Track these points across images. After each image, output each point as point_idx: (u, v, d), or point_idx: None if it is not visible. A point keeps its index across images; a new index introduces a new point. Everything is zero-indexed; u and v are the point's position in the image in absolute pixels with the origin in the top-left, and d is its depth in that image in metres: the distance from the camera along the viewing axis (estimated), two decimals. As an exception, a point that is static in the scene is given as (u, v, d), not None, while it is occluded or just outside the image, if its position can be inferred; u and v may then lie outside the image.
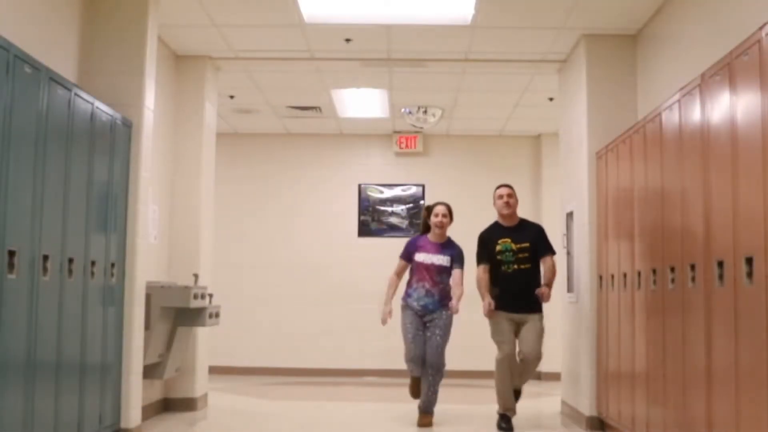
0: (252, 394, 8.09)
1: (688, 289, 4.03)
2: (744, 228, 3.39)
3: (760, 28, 3.26)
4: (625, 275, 5.22)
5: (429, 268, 6.01)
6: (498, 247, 5.90)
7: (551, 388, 7.83)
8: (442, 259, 6.03)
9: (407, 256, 6.18)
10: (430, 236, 6.16)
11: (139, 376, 5.39)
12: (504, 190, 6.06)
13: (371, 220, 10.29)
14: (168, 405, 6.58)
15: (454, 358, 9.35)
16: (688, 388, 4.04)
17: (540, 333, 5.85)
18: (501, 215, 6.04)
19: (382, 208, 10.21)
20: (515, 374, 5.88)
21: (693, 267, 3.96)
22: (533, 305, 5.88)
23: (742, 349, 3.37)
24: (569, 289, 6.66)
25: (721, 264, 3.60)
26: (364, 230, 10.26)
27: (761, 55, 3.25)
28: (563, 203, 6.43)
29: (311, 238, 10.11)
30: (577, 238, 6.44)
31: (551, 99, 7.81)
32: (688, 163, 4.13)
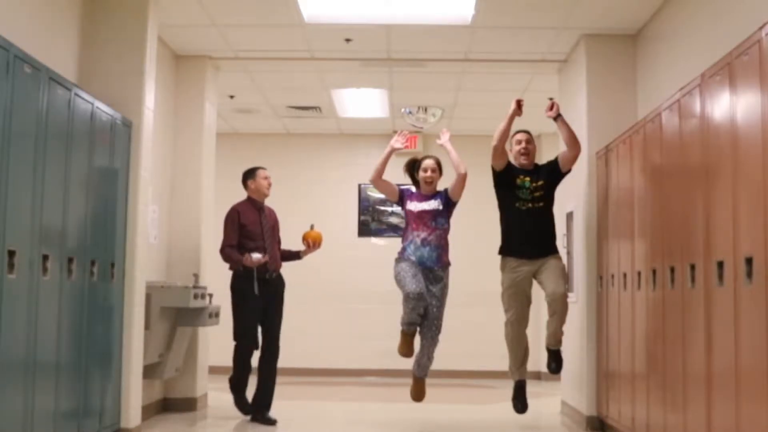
0: (251, 394, 8.07)
1: (688, 289, 4.03)
2: (744, 228, 3.39)
3: (760, 28, 3.26)
4: (625, 275, 5.22)
5: (422, 215, 5.67)
6: (517, 181, 5.56)
7: (551, 388, 7.84)
8: (433, 204, 5.70)
9: (401, 190, 5.88)
10: (420, 190, 5.84)
11: (139, 376, 5.39)
12: (522, 136, 5.65)
13: (371, 220, 10.30)
14: (168, 405, 6.58)
15: (458, 358, 9.42)
16: (688, 388, 4.04)
17: (561, 270, 5.50)
18: (519, 163, 5.66)
19: (382, 208, 10.22)
20: (548, 332, 5.56)
21: (693, 267, 3.96)
22: (548, 247, 5.56)
23: (742, 349, 3.37)
24: (569, 289, 6.66)
25: (721, 264, 3.60)
26: (364, 230, 10.27)
27: (761, 55, 3.25)
28: (563, 203, 6.43)
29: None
30: (577, 238, 6.44)
31: (551, 99, 7.81)
32: (688, 163, 4.13)
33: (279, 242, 6.46)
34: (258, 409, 6.22)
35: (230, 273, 6.23)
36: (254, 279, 6.06)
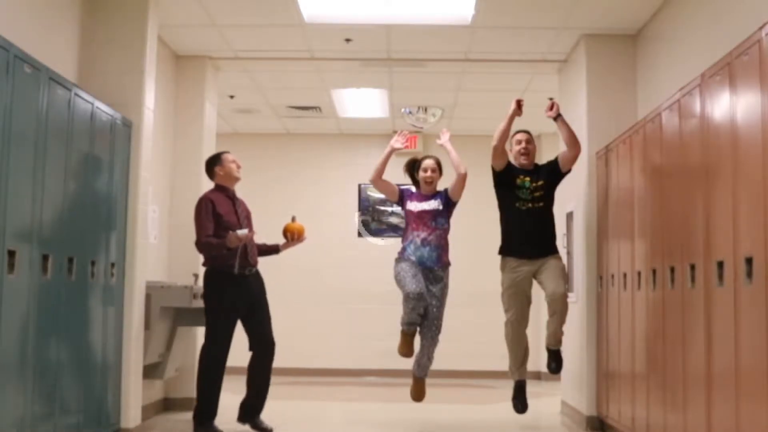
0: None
1: (688, 289, 4.03)
2: (744, 228, 3.39)
3: (760, 28, 3.27)
4: (625, 275, 5.22)
5: (422, 215, 5.67)
6: (517, 181, 5.57)
7: (551, 388, 7.84)
8: (433, 204, 5.70)
9: (401, 190, 5.88)
10: (420, 190, 5.84)
11: (139, 376, 5.39)
12: (522, 136, 5.65)
13: (371, 220, 10.30)
14: (168, 405, 6.58)
15: (458, 358, 9.42)
16: (688, 388, 4.04)
17: (561, 270, 5.51)
18: (519, 164, 5.67)
19: (382, 208, 10.22)
20: (548, 332, 5.57)
21: (693, 267, 3.96)
22: (548, 247, 5.57)
23: (742, 349, 3.37)
24: (569, 289, 6.66)
25: (721, 264, 3.60)
26: (364, 230, 10.27)
27: (761, 55, 3.25)
28: (563, 203, 6.43)
29: (311, 238, 10.02)
30: (577, 238, 6.44)
31: (551, 99, 7.81)
32: (687, 163, 4.13)
33: None
34: (248, 414, 5.57)
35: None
36: (237, 257, 5.37)
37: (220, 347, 5.43)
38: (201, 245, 5.43)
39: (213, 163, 5.71)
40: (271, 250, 5.94)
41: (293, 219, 6.02)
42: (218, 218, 5.42)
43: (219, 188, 5.65)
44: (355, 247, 10.17)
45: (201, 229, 5.42)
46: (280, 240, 5.89)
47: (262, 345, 5.57)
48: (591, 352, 6.01)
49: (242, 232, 5.33)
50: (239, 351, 5.75)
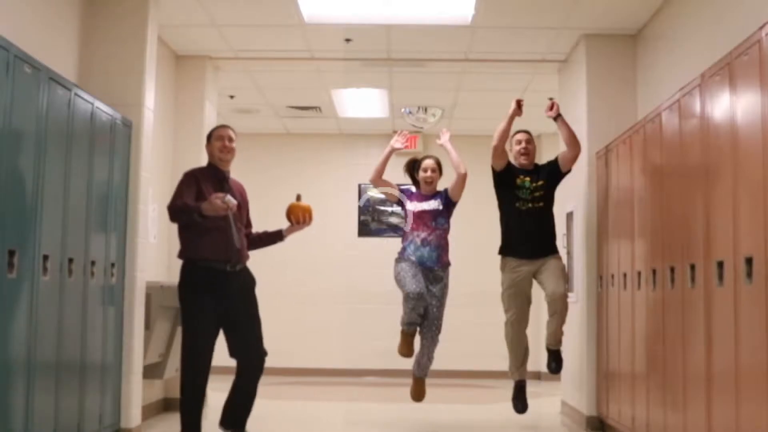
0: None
1: (688, 289, 4.03)
2: (744, 228, 3.39)
3: (760, 28, 3.27)
4: (625, 275, 5.22)
5: (422, 215, 5.68)
6: (517, 181, 5.58)
7: (551, 388, 7.84)
8: (433, 204, 5.71)
9: (401, 190, 5.89)
10: (420, 190, 5.85)
11: (139, 376, 5.39)
12: (522, 136, 5.67)
13: (371, 220, 10.30)
14: (168, 405, 6.58)
15: (458, 358, 9.42)
16: (688, 388, 4.04)
17: (561, 270, 5.53)
18: (519, 163, 5.69)
19: (382, 208, 10.22)
20: (548, 332, 5.59)
21: (693, 267, 3.96)
22: (548, 247, 5.58)
23: (742, 349, 3.37)
24: (569, 289, 6.65)
25: (721, 264, 3.60)
26: (364, 230, 10.27)
27: (761, 55, 3.25)
28: (563, 203, 6.43)
29: (311, 238, 10.05)
30: (577, 238, 6.44)
31: (551, 99, 7.81)
32: (687, 163, 4.13)
33: (249, 226, 4.98)
34: (230, 425, 4.79)
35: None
36: (210, 245, 4.58)
37: (198, 352, 4.64)
38: (172, 210, 4.57)
39: (206, 140, 4.92)
40: (274, 237, 5.05)
41: (298, 197, 5.01)
42: (197, 201, 4.55)
43: (210, 167, 4.86)
44: (355, 247, 10.17)
45: (177, 195, 4.62)
46: (280, 243, 5.13)
47: (249, 356, 4.77)
48: (591, 352, 6.01)
49: (229, 199, 4.41)
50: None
